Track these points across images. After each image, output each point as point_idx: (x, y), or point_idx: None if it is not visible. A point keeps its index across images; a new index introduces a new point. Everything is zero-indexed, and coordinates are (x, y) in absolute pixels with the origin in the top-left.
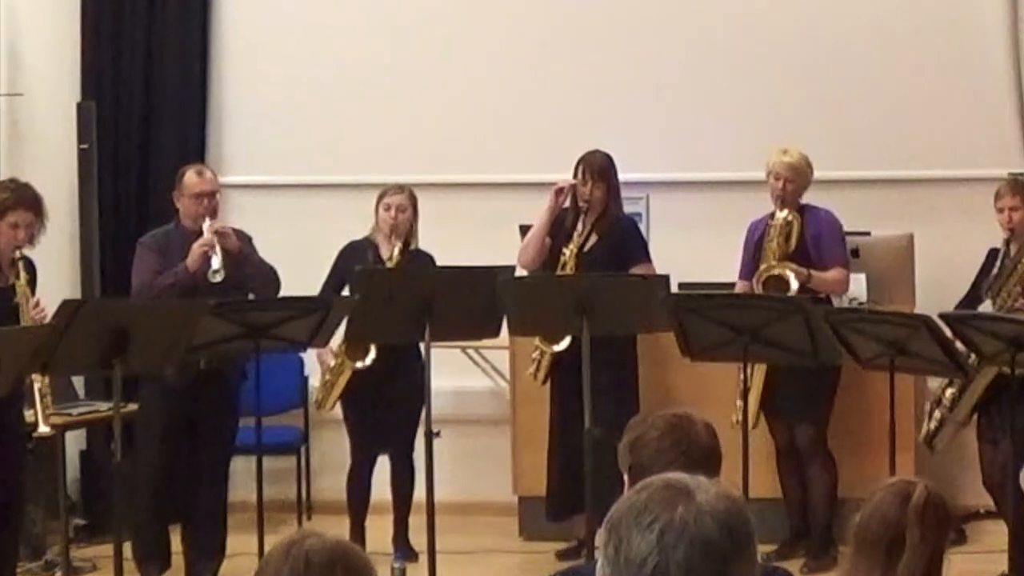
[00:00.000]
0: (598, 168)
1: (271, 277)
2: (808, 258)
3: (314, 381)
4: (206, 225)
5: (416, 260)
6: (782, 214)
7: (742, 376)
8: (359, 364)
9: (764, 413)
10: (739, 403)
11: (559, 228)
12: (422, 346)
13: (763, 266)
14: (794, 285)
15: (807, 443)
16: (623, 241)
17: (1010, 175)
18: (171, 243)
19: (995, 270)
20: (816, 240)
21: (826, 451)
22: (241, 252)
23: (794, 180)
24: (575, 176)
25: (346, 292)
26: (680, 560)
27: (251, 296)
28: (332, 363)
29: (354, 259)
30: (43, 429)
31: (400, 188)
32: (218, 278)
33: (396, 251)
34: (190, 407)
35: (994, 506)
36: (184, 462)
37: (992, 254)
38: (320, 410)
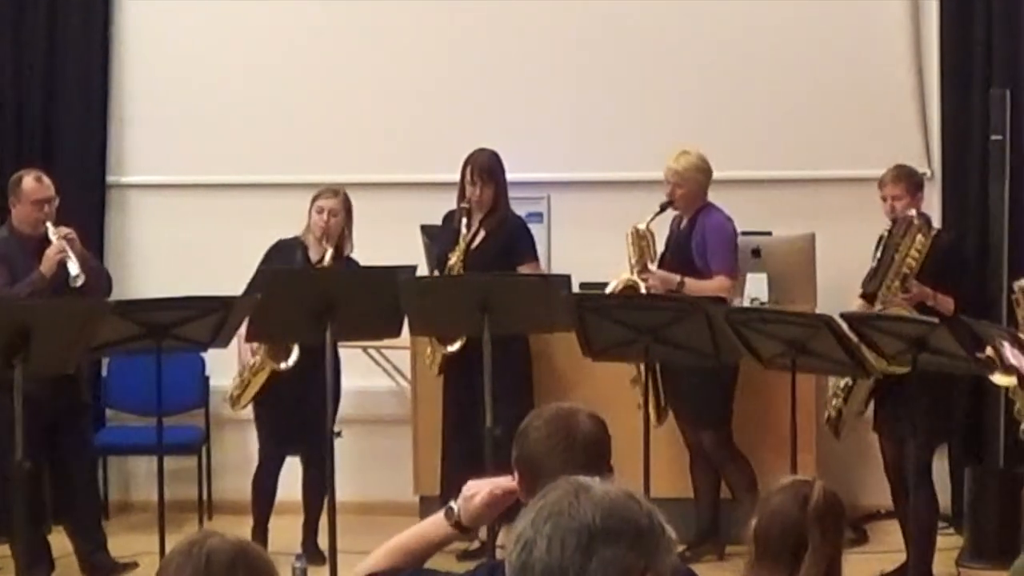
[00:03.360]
0: (486, 168)
1: (106, 277)
2: (692, 264)
3: (224, 380)
4: (52, 232)
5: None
6: (632, 227)
7: (639, 373)
8: (282, 365)
9: (673, 413)
10: (641, 400)
11: (447, 227)
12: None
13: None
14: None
15: (713, 449)
16: (511, 240)
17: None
18: (10, 251)
19: (873, 262)
20: (701, 246)
21: (735, 452)
22: (83, 254)
23: (682, 185)
24: (463, 176)
25: None
26: (547, 532)
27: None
28: (252, 361)
29: (282, 258)
30: None
31: (335, 192)
32: (79, 282)
33: (328, 256)
34: (48, 408)
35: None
36: (51, 464)
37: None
38: (234, 408)
